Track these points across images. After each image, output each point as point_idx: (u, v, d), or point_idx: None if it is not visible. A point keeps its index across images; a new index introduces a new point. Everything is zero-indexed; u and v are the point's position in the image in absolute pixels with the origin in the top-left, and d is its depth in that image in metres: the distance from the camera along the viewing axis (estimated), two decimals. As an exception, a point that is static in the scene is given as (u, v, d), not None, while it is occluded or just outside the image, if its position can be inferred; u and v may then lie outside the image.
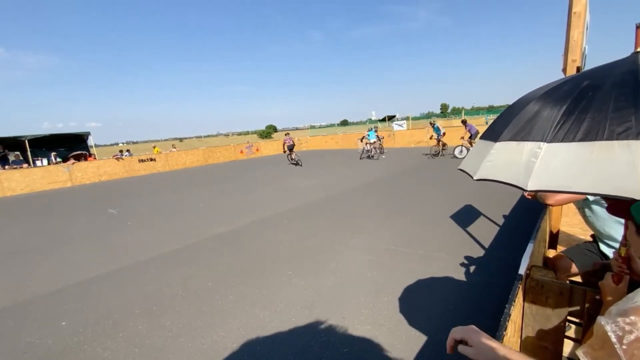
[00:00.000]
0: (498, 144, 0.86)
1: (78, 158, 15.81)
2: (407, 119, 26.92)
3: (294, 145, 14.19)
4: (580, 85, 0.76)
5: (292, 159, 14.10)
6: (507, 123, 0.87)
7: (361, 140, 15.08)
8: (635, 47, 0.81)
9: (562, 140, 0.70)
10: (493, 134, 0.92)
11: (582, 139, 0.67)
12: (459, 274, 3.16)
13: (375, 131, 14.71)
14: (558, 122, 0.73)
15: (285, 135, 14.37)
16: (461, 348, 0.76)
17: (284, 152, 14.33)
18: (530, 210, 4.96)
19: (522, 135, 0.80)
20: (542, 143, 0.73)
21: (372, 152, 14.14)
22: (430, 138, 13.13)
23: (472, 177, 0.92)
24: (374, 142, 14.05)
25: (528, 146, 0.76)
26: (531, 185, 0.71)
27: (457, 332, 0.78)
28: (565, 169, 0.68)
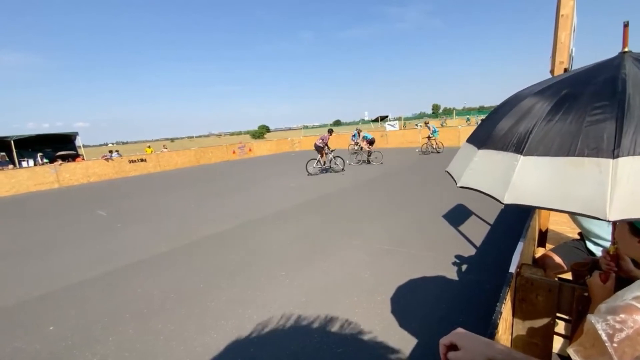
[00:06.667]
0: (481, 152, 0.88)
1: (65, 158, 15.46)
2: (399, 119, 27.11)
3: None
4: (560, 93, 0.76)
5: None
6: (490, 129, 0.88)
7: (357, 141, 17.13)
8: (623, 47, 0.79)
9: (537, 154, 0.70)
10: (477, 140, 0.93)
11: (555, 154, 0.67)
12: (451, 273, 3.20)
13: (358, 133, 16.84)
14: (535, 133, 0.73)
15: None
16: (451, 355, 0.76)
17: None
18: (519, 209, 5.04)
19: (501, 144, 0.80)
20: (518, 155, 0.73)
21: (358, 148, 16.23)
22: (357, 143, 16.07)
23: (456, 183, 0.94)
24: (357, 142, 16.11)
25: (506, 157, 0.77)
26: (507, 199, 0.72)
27: (445, 339, 0.78)
28: (539, 183, 0.68)
